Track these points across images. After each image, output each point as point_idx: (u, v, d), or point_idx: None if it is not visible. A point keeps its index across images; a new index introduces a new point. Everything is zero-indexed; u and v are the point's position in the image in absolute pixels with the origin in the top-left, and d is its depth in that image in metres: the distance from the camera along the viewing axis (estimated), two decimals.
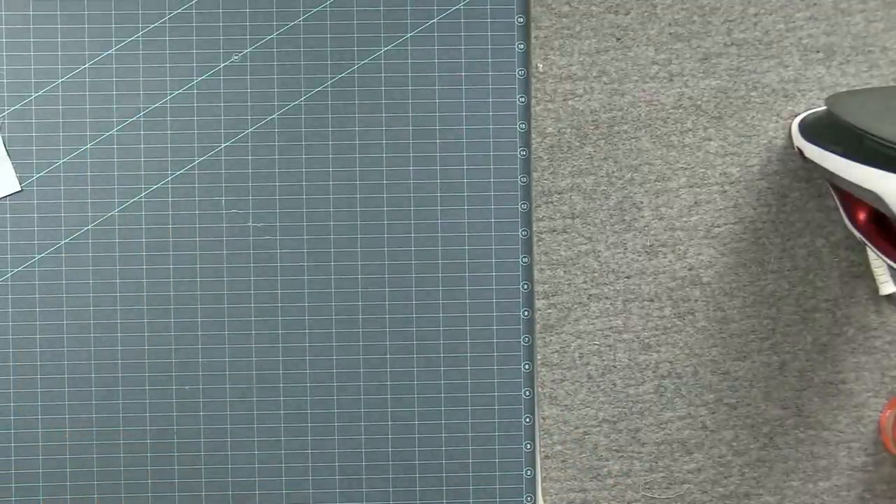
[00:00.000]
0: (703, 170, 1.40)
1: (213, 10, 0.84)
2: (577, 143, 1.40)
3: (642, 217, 1.40)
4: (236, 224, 0.84)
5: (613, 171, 1.40)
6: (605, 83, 1.40)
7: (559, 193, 1.40)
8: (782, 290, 1.41)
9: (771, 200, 1.40)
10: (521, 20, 0.86)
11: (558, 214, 1.40)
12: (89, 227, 0.83)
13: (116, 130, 0.84)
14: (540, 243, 1.41)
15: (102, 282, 0.83)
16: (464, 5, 0.85)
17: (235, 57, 0.84)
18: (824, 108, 1.29)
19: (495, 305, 0.85)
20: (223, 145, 0.84)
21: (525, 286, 0.85)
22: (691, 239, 1.40)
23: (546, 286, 1.40)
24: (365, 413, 0.84)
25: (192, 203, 0.84)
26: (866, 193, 1.17)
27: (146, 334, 0.83)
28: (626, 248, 1.40)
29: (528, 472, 0.85)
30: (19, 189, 0.83)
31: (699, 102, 1.40)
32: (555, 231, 1.40)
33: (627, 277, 1.40)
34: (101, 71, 0.83)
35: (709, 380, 1.41)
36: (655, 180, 1.40)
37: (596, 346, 1.40)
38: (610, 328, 1.40)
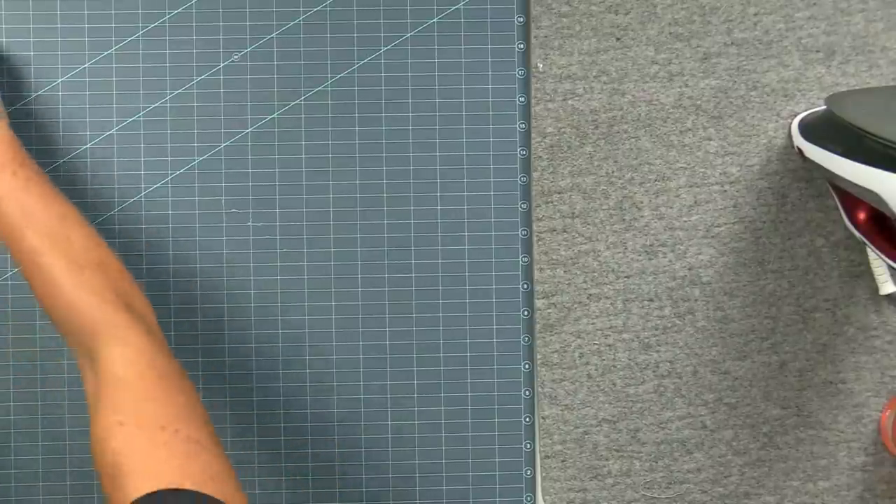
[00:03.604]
0: (703, 170, 1.40)
1: (213, 10, 0.84)
2: (577, 143, 1.40)
3: (642, 217, 1.40)
4: (236, 223, 0.84)
5: (613, 171, 1.40)
6: (605, 83, 1.40)
7: (559, 193, 1.40)
8: (782, 290, 1.41)
9: (771, 200, 1.40)
10: (521, 20, 0.86)
11: (558, 214, 1.40)
12: None
13: (116, 130, 0.84)
14: (540, 243, 1.41)
15: None
16: (464, 5, 0.85)
17: (235, 57, 0.84)
18: (824, 107, 1.29)
19: (495, 305, 0.85)
20: (223, 145, 0.84)
21: (525, 286, 0.85)
22: (691, 239, 1.40)
23: (546, 286, 1.40)
24: (365, 413, 0.84)
25: (192, 203, 0.84)
26: (866, 193, 1.17)
27: None
28: (626, 248, 1.40)
29: (528, 472, 0.85)
30: None
31: (699, 102, 1.40)
32: (555, 231, 1.40)
33: (627, 277, 1.40)
34: (101, 71, 0.83)
35: (709, 380, 1.41)
36: (655, 180, 1.40)
37: (596, 346, 1.40)
38: (610, 328, 1.40)
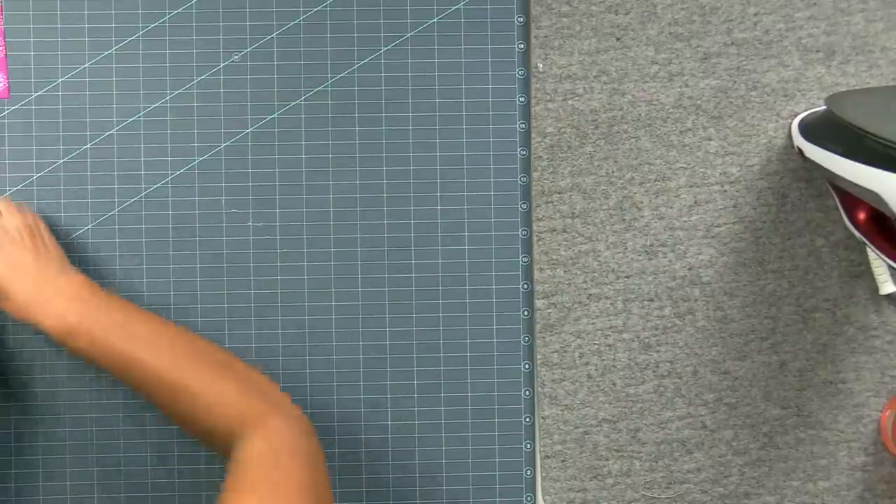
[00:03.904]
0: (703, 170, 1.40)
1: (213, 10, 0.84)
2: (577, 143, 1.40)
3: (642, 217, 1.40)
4: (236, 223, 0.84)
5: (613, 171, 1.40)
6: (605, 83, 1.40)
7: (559, 193, 1.40)
8: (782, 290, 1.41)
9: (771, 200, 1.40)
10: (521, 20, 0.86)
11: (558, 214, 1.40)
12: (89, 226, 0.83)
13: (116, 130, 0.84)
14: (540, 243, 1.41)
15: (102, 281, 0.83)
16: (464, 5, 0.85)
17: (235, 57, 0.84)
18: (824, 107, 1.29)
19: (495, 305, 0.85)
20: (223, 145, 0.84)
21: (525, 286, 0.85)
22: (691, 239, 1.40)
23: (546, 286, 1.40)
24: (365, 413, 0.84)
25: (192, 203, 0.84)
26: (866, 193, 1.17)
27: None
28: (626, 248, 1.40)
29: (528, 472, 0.85)
30: None
31: (699, 102, 1.40)
32: (555, 231, 1.40)
33: (627, 277, 1.40)
34: (101, 71, 0.83)
35: (709, 380, 1.41)
36: (655, 180, 1.40)
37: (596, 346, 1.40)
38: (610, 328, 1.40)
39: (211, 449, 0.69)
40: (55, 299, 0.70)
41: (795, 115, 1.40)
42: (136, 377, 0.68)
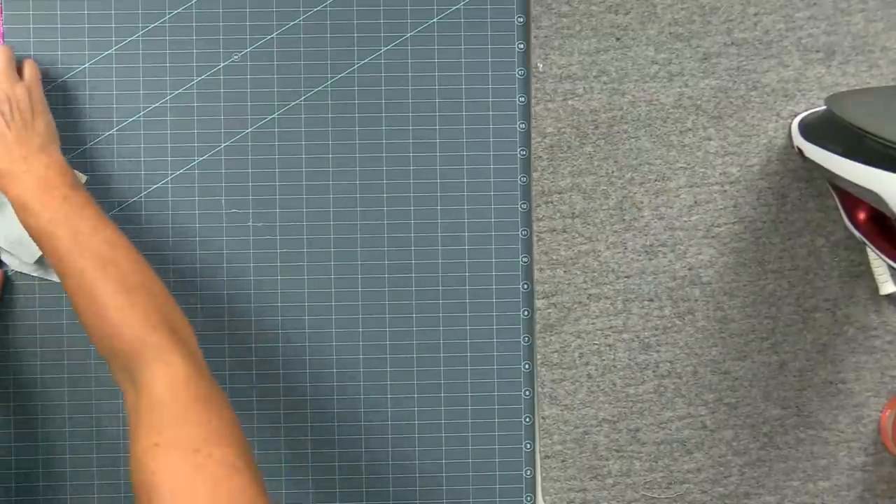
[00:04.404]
0: (703, 170, 1.40)
1: (213, 10, 0.84)
2: (577, 143, 1.40)
3: (642, 217, 1.40)
4: (236, 223, 0.84)
5: (613, 171, 1.40)
6: (605, 83, 1.40)
7: (559, 193, 1.40)
8: (782, 290, 1.41)
9: (771, 200, 1.40)
10: (521, 20, 0.86)
11: (558, 214, 1.40)
12: None
13: (116, 130, 0.84)
14: (540, 243, 1.41)
15: None
16: (464, 5, 0.85)
17: (235, 57, 0.84)
18: (824, 107, 1.29)
19: (495, 305, 0.85)
20: (223, 145, 0.84)
21: (525, 286, 0.85)
22: (691, 239, 1.40)
23: (546, 286, 1.40)
24: (365, 413, 0.84)
25: (192, 202, 0.84)
26: (866, 193, 1.17)
27: None
28: (626, 248, 1.40)
29: (528, 472, 0.85)
30: None
31: (699, 102, 1.40)
32: (555, 231, 1.40)
33: (627, 277, 1.40)
34: (101, 71, 0.83)
35: (709, 380, 1.41)
36: (655, 180, 1.40)
37: (596, 346, 1.40)
38: (610, 328, 1.40)
39: (113, 367, 0.68)
40: (24, 178, 0.71)
41: (795, 115, 1.40)
42: (62, 275, 0.68)
